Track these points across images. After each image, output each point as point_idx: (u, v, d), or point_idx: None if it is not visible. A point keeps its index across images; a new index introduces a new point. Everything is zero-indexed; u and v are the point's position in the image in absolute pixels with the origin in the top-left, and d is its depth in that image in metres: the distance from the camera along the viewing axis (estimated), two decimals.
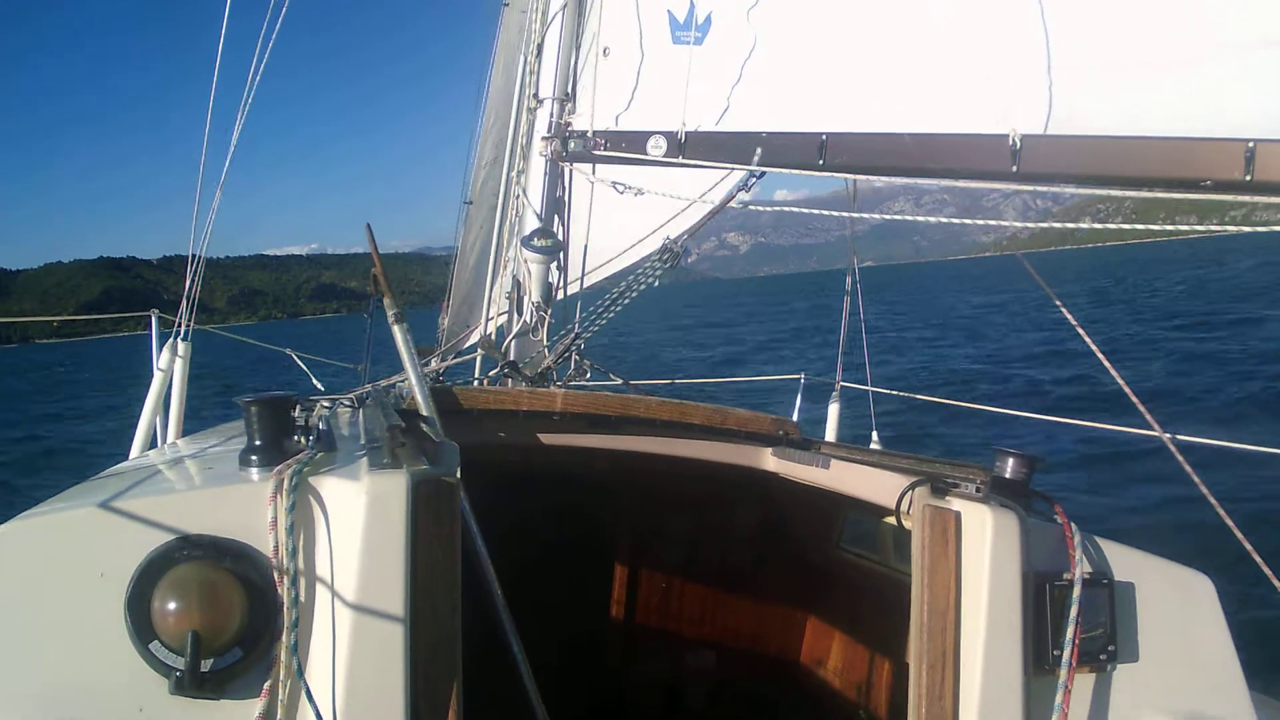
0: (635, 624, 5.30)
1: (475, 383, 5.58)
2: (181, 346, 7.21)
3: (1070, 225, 4.30)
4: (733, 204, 4.96)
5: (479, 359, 6.03)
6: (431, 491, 2.67)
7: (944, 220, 4.56)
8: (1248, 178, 3.54)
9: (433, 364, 5.94)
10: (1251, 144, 3.51)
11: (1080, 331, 4.92)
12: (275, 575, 2.55)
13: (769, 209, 5.34)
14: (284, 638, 2.52)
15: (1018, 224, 4.60)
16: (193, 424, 7.08)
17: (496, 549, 3.41)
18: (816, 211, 4.87)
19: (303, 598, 2.59)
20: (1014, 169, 3.97)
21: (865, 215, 5.30)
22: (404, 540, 2.57)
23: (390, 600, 2.54)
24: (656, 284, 5.10)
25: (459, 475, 2.89)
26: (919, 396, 7.49)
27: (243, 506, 2.62)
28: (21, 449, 32.47)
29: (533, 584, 4.31)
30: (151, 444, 6.85)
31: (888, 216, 5.13)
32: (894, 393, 7.68)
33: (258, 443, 2.93)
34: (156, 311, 7.55)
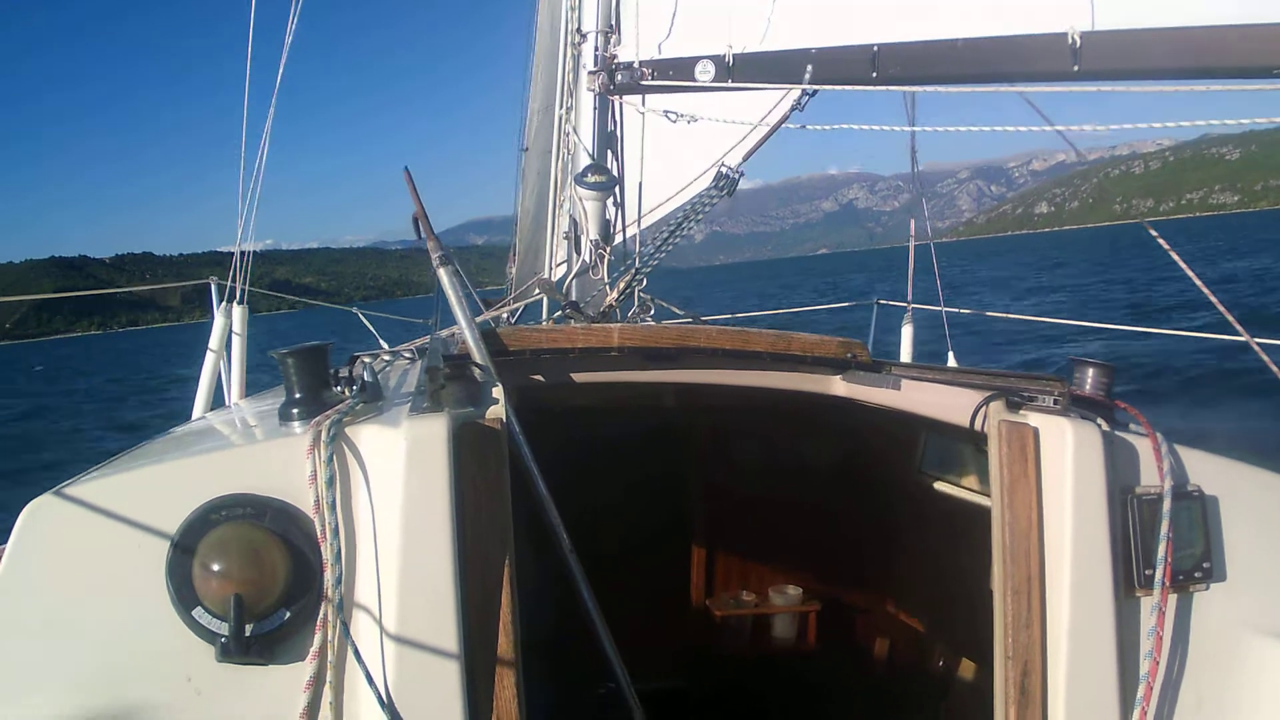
0: (715, 560, 5.25)
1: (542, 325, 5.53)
2: (237, 310, 7.24)
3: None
4: (789, 125, 4.83)
5: (545, 303, 5.97)
6: (473, 433, 2.58)
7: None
8: None
9: (503, 312, 5.90)
10: None
11: (1161, 242, 4.74)
12: (318, 531, 2.48)
13: (832, 126, 5.16)
14: (329, 596, 2.45)
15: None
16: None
17: (564, 490, 3.32)
18: (875, 127, 4.69)
19: (347, 553, 2.51)
20: (1075, 68, 3.82)
21: (927, 129, 5.14)
22: (448, 486, 2.48)
23: (436, 549, 2.46)
24: (711, 213, 4.99)
25: (509, 415, 2.81)
26: (991, 314, 7.35)
27: (281, 462, 2.54)
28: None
29: (605, 526, 4.25)
30: (217, 405, 6.90)
31: (954, 128, 4.95)
32: (966, 311, 7.52)
33: (297, 395, 2.86)
34: (214, 279, 7.58)
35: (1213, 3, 3.69)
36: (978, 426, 3.11)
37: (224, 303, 7.28)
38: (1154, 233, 4.73)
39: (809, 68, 4.46)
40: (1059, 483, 2.81)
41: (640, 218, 5.98)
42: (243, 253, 7.38)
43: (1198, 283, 4.35)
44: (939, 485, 4.27)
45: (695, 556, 5.22)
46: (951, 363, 7.32)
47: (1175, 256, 4.51)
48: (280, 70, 7.68)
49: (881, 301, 7.59)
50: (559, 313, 5.17)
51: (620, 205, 5.59)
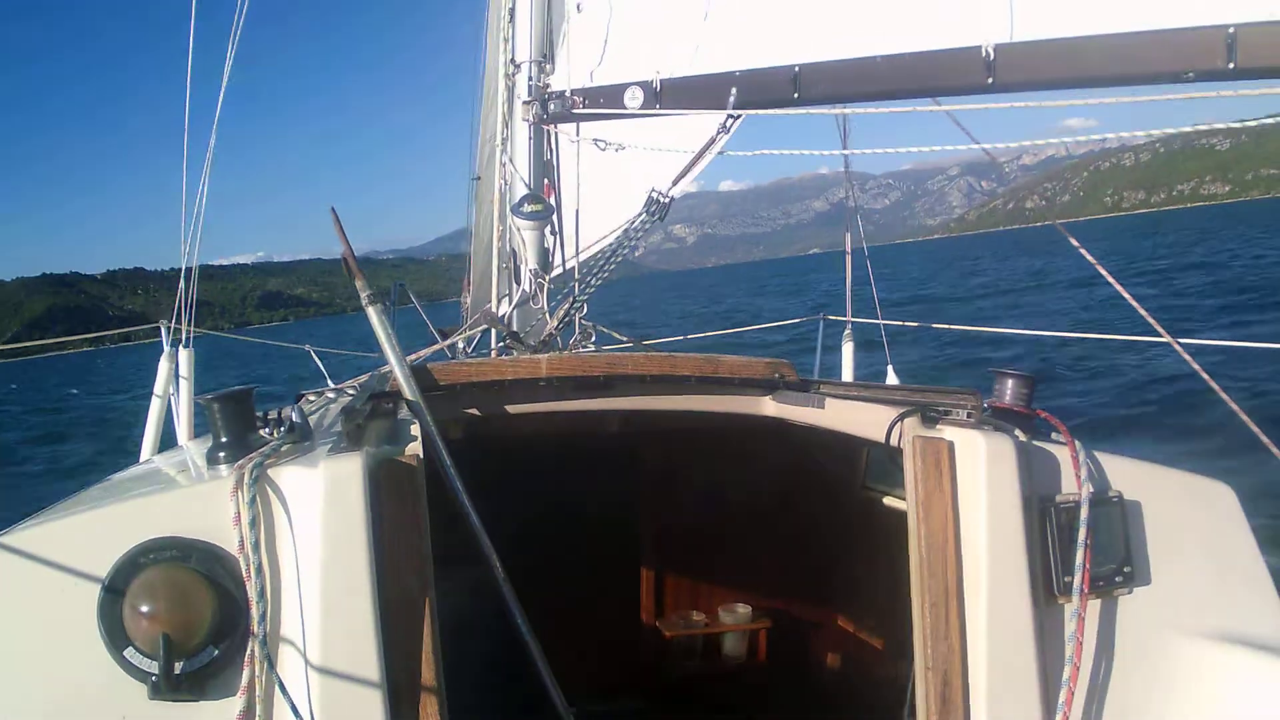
0: (665, 581, 5.27)
1: (494, 356, 5.55)
2: (184, 353, 7.32)
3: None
4: (718, 153, 4.87)
5: (493, 333, 6.01)
6: (389, 471, 2.65)
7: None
8: (1230, 65, 3.43)
9: (457, 340, 5.93)
10: (1232, 29, 3.40)
11: (1086, 254, 4.78)
12: (243, 570, 2.52)
13: (754, 153, 5.20)
14: (254, 632, 2.49)
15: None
16: None
17: (514, 519, 3.36)
18: (804, 152, 4.74)
19: (271, 591, 2.56)
20: (989, 80, 3.86)
21: (860, 151, 5.18)
22: (364, 522, 2.54)
23: (356, 584, 2.51)
24: (645, 238, 5.03)
25: (436, 450, 2.85)
26: (930, 325, 7.40)
27: (207, 504, 2.59)
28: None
29: (554, 551, 4.28)
30: (167, 447, 6.95)
31: (879, 151, 5.02)
32: (904, 324, 7.58)
33: (223, 439, 2.91)
34: (164, 322, 7.64)
35: (1126, 13, 3.74)
36: (894, 442, 3.15)
37: (169, 347, 7.35)
38: (1073, 241, 4.79)
39: (733, 90, 4.50)
40: (974, 494, 2.85)
41: (579, 246, 6.01)
42: (184, 295, 7.46)
43: (1117, 286, 4.39)
44: (883, 499, 4.31)
45: (644, 579, 5.24)
46: (891, 378, 7.37)
47: (1090, 258, 4.57)
48: (220, 96, 7.73)
49: (827, 317, 7.64)
50: (501, 343, 5.19)
51: (558, 234, 5.63)
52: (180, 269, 7.62)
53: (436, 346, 5.25)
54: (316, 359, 9.51)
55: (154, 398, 7.17)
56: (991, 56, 3.85)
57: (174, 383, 7.30)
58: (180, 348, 7.38)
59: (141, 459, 6.54)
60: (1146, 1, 3.71)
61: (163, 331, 7.60)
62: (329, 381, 8.01)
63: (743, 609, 5.22)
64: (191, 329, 7.40)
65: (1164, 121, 3.94)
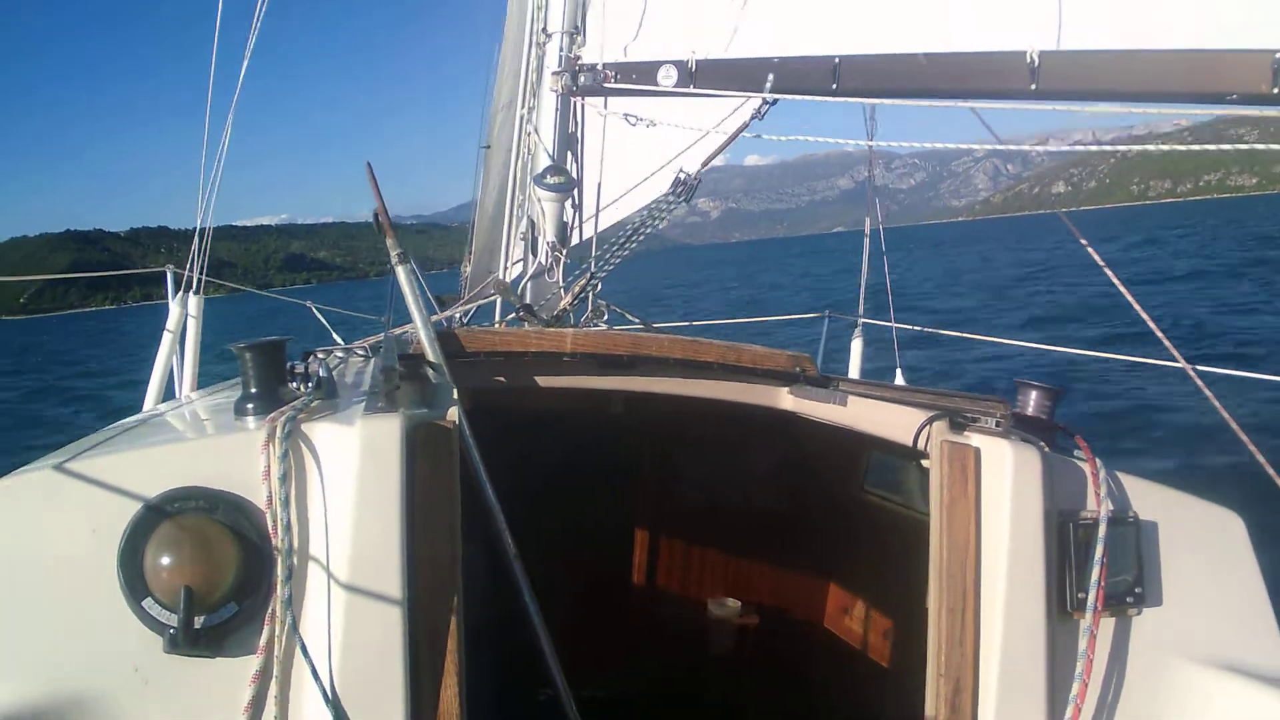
0: (658, 568, 5.26)
1: (495, 326, 5.52)
2: (193, 301, 7.21)
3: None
4: (746, 134, 4.84)
5: (498, 304, 5.96)
6: (427, 434, 2.62)
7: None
8: (1276, 90, 3.43)
9: (456, 311, 5.88)
10: (1278, 54, 3.40)
11: (1101, 264, 4.77)
12: (270, 526, 2.50)
13: (789, 137, 5.19)
14: (278, 591, 2.47)
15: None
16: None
17: (513, 493, 3.34)
18: (834, 140, 4.73)
19: (298, 548, 2.53)
20: (1032, 86, 3.86)
21: (885, 144, 5.17)
22: (399, 485, 2.52)
23: (387, 547, 2.49)
24: (669, 219, 5.00)
25: (460, 418, 2.82)
26: (941, 332, 7.38)
27: (236, 456, 2.57)
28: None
29: (553, 528, 4.26)
30: (169, 397, 6.85)
31: (910, 144, 5.01)
32: (916, 328, 7.55)
33: (253, 390, 2.87)
34: (171, 268, 7.53)
35: (1173, 30, 3.74)
36: (921, 445, 3.14)
37: (180, 292, 7.24)
38: (1085, 243, 4.78)
39: (770, 76, 4.48)
40: (998, 503, 2.84)
41: (597, 216, 5.98)
42: (199, 240, 7.32)
43: (1136, 307, 4.37)
44: (882, 501, 4.30)
45: (638, 566, 5.23)
46: (899, 379, 7.37)
47: (1110, 274, 4.56)
48: (245, 59, 7.64)
49: (831, 315, 7.61)
50: (512, 315, 5.16)
51: (578, 208, 5.59)
52: (203, 227, 7.47)
53: (436, 317, 5.22)
54: (320, 316, 9.42)
55: (163, 343, 7.06)
56: (1036, 63, 3.86)
57: (180, 331, 7.15)
58: (190, 294, 7.24)
59: (145, 407, 6.45)
60: (1196, 22, 3.72)
61: (169, 278, 7.49)
62: (336, 339, 7.95)
63: (732, 603, 5.21)
64: (203, 275, 7.26)
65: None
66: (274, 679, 2.47)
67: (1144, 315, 4.36)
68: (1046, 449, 2.95)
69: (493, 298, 5.73)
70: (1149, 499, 3.09)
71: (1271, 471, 3.73)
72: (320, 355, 3.62)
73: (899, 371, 7.50)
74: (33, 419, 30.57)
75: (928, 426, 3.10)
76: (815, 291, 58.67)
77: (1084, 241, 4.83)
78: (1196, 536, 3.16)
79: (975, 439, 2.95)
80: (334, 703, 2.43)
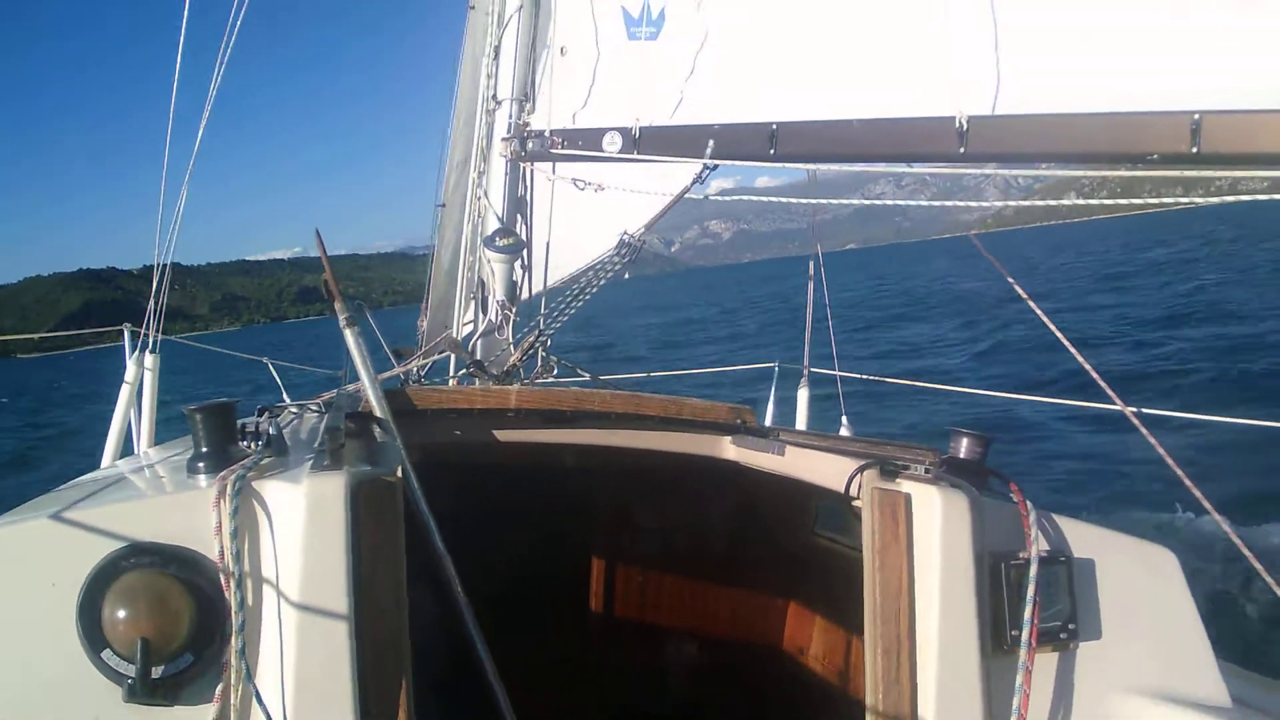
0: (614, 616, 5.31)
1: (450, 383, 5.61)
2: (149, 358, 7.28)
3: (1053, 203, 4.24)
4: (691, 195, 4.97)
5: (453, 358, 6.05)
6: (371, 490, 2.70)
7: (921, 203, 4.53)
8: (1194, 150, 3.56)
9: (412, 365, 5.97)
10: (1197, 116, 3.53)
11: (1035, 308, 4.90)
12: (222, 580, 2.59)
13: (734, 198, 5.33)
14: (232, 642, 2.55)
15: (998, 203, 4.60)
16: (178, 433, 7.17)
17: (468, 543, 3.42)
18: (776, 200, 4.86)
19: (250, 601, 2.62)
20: (961, 150, 3.99)
21: (826, 201, 5.29)
22: (344, 539, 2.60)
23: (334, 601, 2.57)
24: (614, 278, 5.12)
25: (408, 472, 2.92)
26: (885, 379, 7.51)
27: (188, 513, 2.65)
28: None
29: (508, 581, 4.33)
30: (127, 453, 6.90)
31: (845, 201, 5.17)
32: (860, 376, 7.68)
33: (204, 449, 2.97)
34: (129, 326, 7.60)
35: (1097, 94, 3.88)
36: (853, 492, 3.24)
37: (136, 351, 7.31)
38: (1005, 273, 4.92)
39: (710, 142, 4.62)
40: (929, 547, 2.93)
41: (545, 276, 6.09)
42: (155, 300, 7.41)
43: (1077, 356, 4.51)
44: (832, 544, 4.39)
45: (593, 612, 5.28)
46: (845, 429, 7.47)
47: (1037, 309, 4.69)
48: (213, 89, 7.69)
49: (781, 365, 7.70)
50: (463, 371, 5.25)
51: (527, 268, 5.71)
52: (158, 288, 7.54)
53: (392, 372, 5.30)
54: (274, 372, 9.51)
55: (119, 402, 7.12)
56: (965, 127, 3.99)
57: (137, 388, 7.23)
58: (146, 353, 7.32)
59: (104, 464, 6.50)
60: (1117, 86, 3.86)
61: (125, 335, 7.56)
62: (285, 396, 8.01)
63: (689, 647, 5.27)
64: (158, 334, 7.35)
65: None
66: None
67: (1087, 366, 4.51)
68: (976, 493, 3.03)
69: (447, 353, 5.82)
70: (1082, 539, 3.18)
71: (1209, 505, 3.85)
72: (272, 413, 3.71)
73: (844, 419, 7.60)
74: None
75: (859, 474, 3.20)
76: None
77: (1004, 270, 4.98)
78: (1130, 573, 3.24)
79: (906, 485, 3.04)
80: None
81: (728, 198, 4.94)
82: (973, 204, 4.65)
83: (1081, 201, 3.97)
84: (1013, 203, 4.77)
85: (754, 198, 4.86)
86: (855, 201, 4.77)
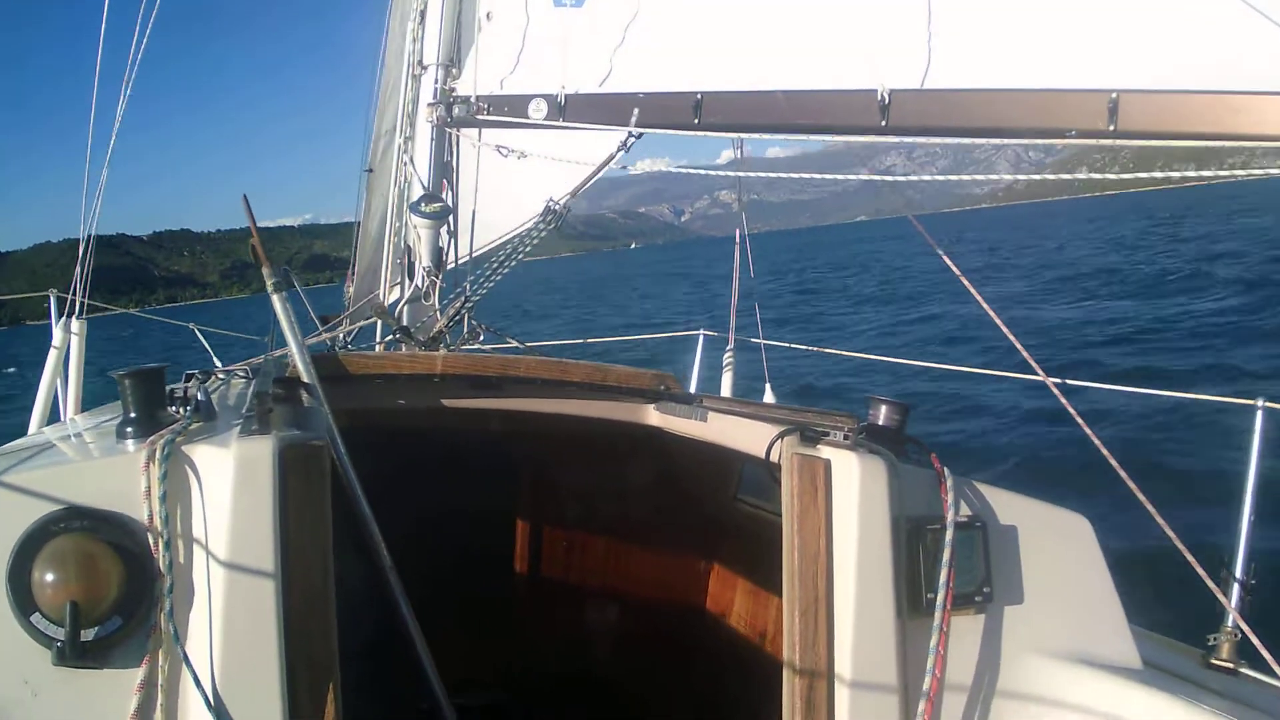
0: (539, 579, 5.34)
1: (376, 348, 5.60)
2: (76, 324, 7.23)
3: (1066, 176, 4.32)
4: (612, 165, 4.99)
5: (379, 326, 6.04)
6: (298, 454, 2.72)
7: (882, 176, 4.57)
8: (1111, 127, 3.62)
9: (339, 332, 5.94)
10: (1114, 94, 3.59)
11: (965, 282, 4.95)
12: (151, 543, 2.61)
13: (653, 170, 5.33)
14: (161, 604, 2.57)
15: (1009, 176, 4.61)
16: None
17: (394, 507, 3.45)
18: (697, 170, 4.90)
19: (179, 564, 2.64)
20: (883, 123, 4.03)
21: (752, 174, 5.33)
22: (272, 503, 2.63)
23: (261, 563, 2.60)
24: (535, 244, 5.14)
25: (334, 436, 2.93)
26: (808, 348, 7.59)
27: (118, 477, 2.66)
28: None
29: (432, 545, 4.35)
30: (54, 420, 6.85)
31: (777, 174, 5.18)
32: (783, 344, 7.75)
33: (133, 414, 2.98)
34: (54, 291, 7.53)
35: (1018, 71, 3.94)
36: (774, 458, 3.28)
37: (64, 317, 7.26)
38: (938, 250, 4.99)
39: (636, 110, 4.63)
40: (847, 512, 2.98)
41: (472, 242, 6.08)
42: (81, 266, 7.35)
43: (998, 321, 4.55)
44: (755, 510, 4.44)
45: (519, 575, 5.30)
46: (769, 397, 7.53)
47: (968, 284, 4.74)
48: (134, 54, 7.63)
49: (706, 333, 7.75)
50: (390, 337, 5.24)
51: (454, 234, 5.69)
52: (84, 254, 7.47)
53: (318, 336, 5.29)
54: (202, 339, 9.46)
55: (45, 370, 7.07)
56: (887, 100, 4.03)
57: (64, 355, 7.18)
58: (73, 319, 7.26)
59: (30, 430, 6.45)
60: (1036, 63, 3.92)
61: (52, 301, 7.50)
62: (215, 361, 7.96)
63: (613, 610, 5.31)
64: (85, 300, 7.29)
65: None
66: (159, 688, 2.58)
67: (1007, 332, 4.57)
68: (894, 460, 3.08)
69: (373, 319, 5.81)
70: (998, 505, 3.24)
71: (1124, 474, 3.92)
72: (200, 378, 3.71)
73: (768, 387, 7.66)
74: None
75: (779, 440, 3.24)
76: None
77: (936, 246, 5.04)
78: (1045, 539, 3.30)
79: (825, 451, 3.09)
80: (215, 709, 2.53)
81: (651, 169, 4.96)
82: (969, 177, 4.67)
83: (1083, 175, 4.03)
84: (1022, 177, 4.81)
85: (674, 169, 4.87)
86: (772, 174, 4.77)
